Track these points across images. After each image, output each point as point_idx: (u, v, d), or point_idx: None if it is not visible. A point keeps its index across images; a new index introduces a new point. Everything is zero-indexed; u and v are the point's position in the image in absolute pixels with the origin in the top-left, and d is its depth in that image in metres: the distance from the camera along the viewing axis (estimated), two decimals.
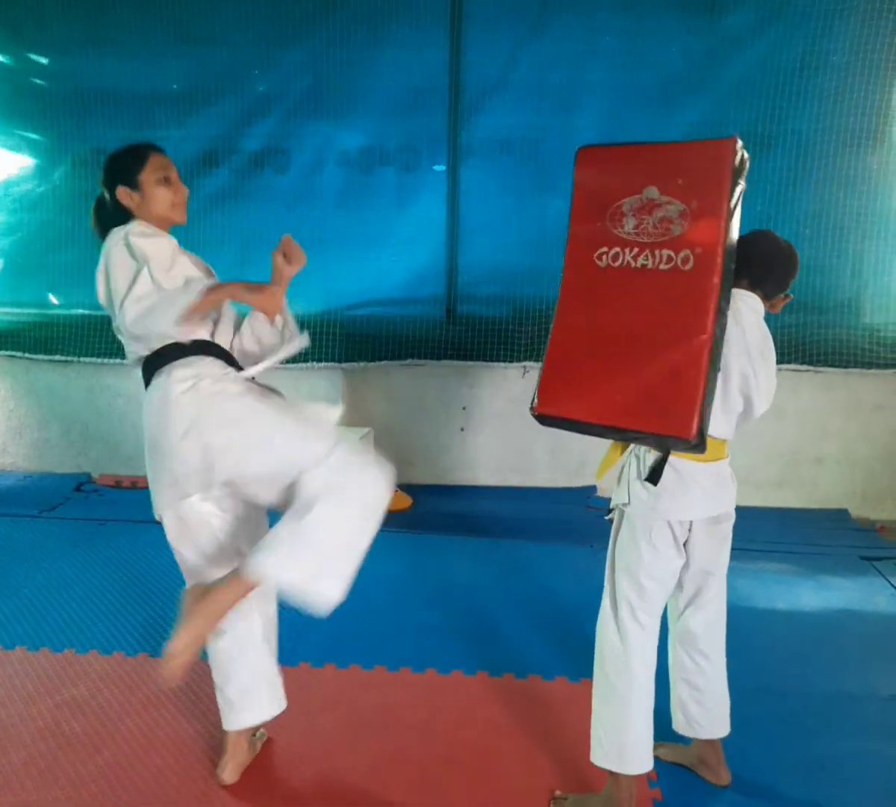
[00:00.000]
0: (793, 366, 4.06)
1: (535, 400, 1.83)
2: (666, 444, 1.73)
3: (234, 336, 2.08)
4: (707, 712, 2.05)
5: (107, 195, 1.96)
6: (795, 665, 2.73)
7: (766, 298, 1.95)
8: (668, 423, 1.64)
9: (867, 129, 3.92)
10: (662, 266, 1.68)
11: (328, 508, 1.77)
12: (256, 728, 2.22)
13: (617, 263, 1.74)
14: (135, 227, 1.88)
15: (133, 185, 1.91)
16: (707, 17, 3.96)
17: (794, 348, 4.04)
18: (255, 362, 1.98)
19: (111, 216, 1.94)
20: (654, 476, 1.83)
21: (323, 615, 1.83)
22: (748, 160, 1.66)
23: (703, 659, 2.04)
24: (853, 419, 4.24)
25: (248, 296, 1.80)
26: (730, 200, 1.63)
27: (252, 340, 2.09)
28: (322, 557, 1.79)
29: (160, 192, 1.92)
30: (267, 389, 1.98)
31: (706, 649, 2.04)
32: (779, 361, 4.22)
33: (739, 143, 1.63)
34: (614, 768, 1.93)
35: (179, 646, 1.75)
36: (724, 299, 1.64)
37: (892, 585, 3.38)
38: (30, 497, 4.32)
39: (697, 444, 1.63)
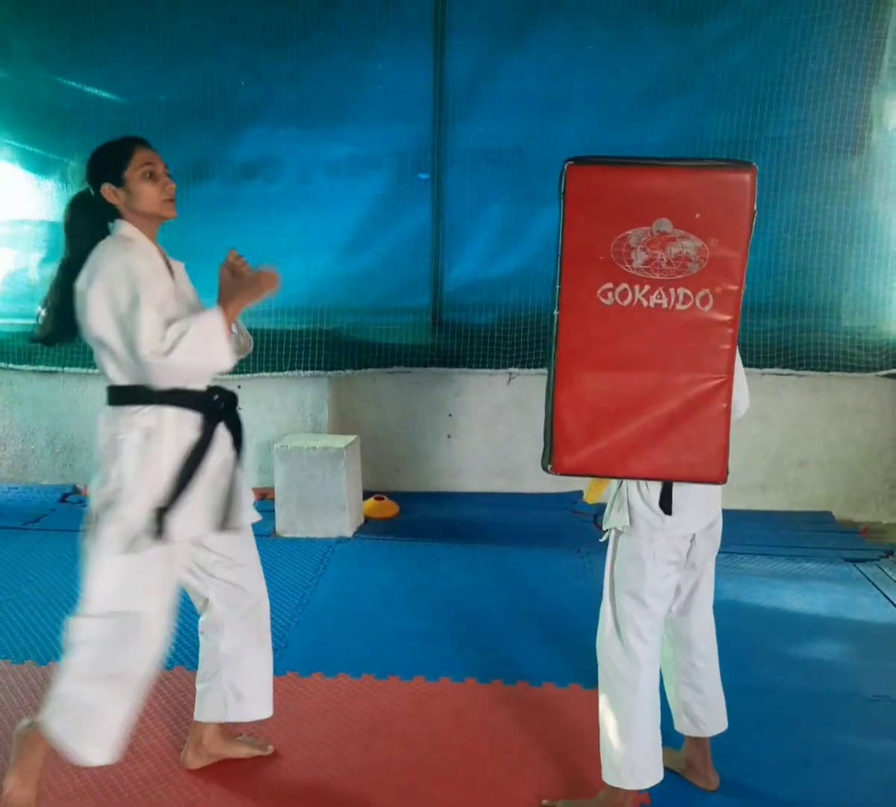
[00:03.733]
0: (776, 370, 4.09)
1: (550, 459, 1.70)
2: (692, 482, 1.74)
3: None
4: (709, 711, 2.07)
5: (92, 192, 1.89)
6: (780, 666, 2.75)
7: None
8: (700, 471, 1.64)
9: (847, 135, 3.97)
10: (679, 306, 1.58)
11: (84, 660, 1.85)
12: (247, 730, 2.22)
13: (626, 302, 1.61)
14: (126, 259, 1.81)
15: (118, 182, 1.85)
16: (687, 26, 4.00)
17: (776, 352, 4.07)
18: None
19: (97, 214, 1.89)
20: (665, 504, 1.82)
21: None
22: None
23: (701, 661, 2.05)
24: (836, 422, 4.28)
25: (254, 299, 1.88)
26: (751, 236, 1.56)
27: None
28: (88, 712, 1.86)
29: (147, 189, 1.86)
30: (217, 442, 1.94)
31: (704, 651, 2.05)
32: (762, 365, 4.30)
33: (756, 169, 1.56)
34: (626, 786, 1.90)
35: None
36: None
37: (875, 586, 3.40)
38: (14, 509, 4.29)
39: (723, 480, 1.65)
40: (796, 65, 3.93)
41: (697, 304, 1.58)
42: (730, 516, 2.04)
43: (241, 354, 2.05)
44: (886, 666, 2.76)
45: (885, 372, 4.10)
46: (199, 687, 2.14)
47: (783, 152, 4.01)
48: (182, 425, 1.87)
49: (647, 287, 1.59)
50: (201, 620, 2.11)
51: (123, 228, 1.89)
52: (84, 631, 1.86)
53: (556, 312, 1.66)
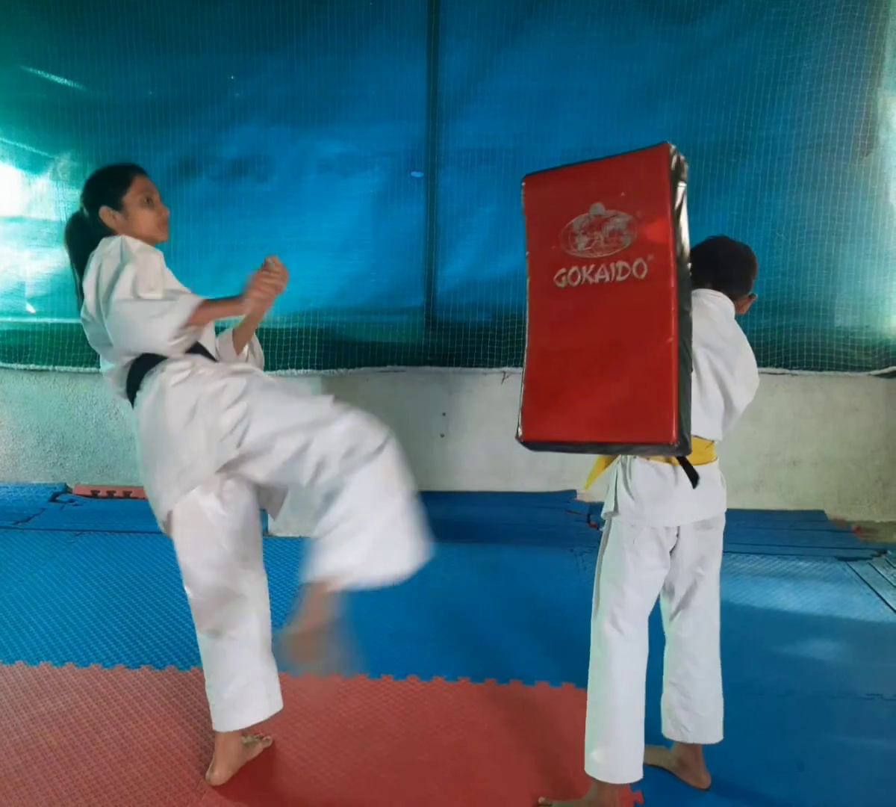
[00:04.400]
0: (769, 369, 4.09)
1: (520, 428, 1.81)
2: (652, 451, 1.74)
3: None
4: (695, 717, 2.06)
5: (86, 213, 1.96)
6: (773, 665, 2.75)
7: (732, 299, 1.97)
8: (648, 431, 1.64)
9: (841, 134, 3.97)
10: (619, 278, 1.69)
11: (359, 487, 1.77)
12: (248, 730, 2.21)
13: (576, 283, 1.75)
14: (127, 238, 1.89)
15: (117, 206, 1.92)
16: (682, 25, 4.00)
17: (770, 351, 4.08)
18: None
19: (90, 235, 1.94)
20: (693, 479, 1.85)
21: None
22: (686, 162, 1.66)
23: (691, 664, 2.04)
24: (829, 421, 4.29)
25: (245, 307, 1.85)
26: (672, 203, 1.64)
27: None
28: (380, 537, 1.80)
29: (144, 214, 1.94)
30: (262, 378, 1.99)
31: (695, 654, 2.04)
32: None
33: (673, 147, 1.65)
34: (601, 778, 1.92)
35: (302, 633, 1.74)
36: (685, 300, 1.64)
37: (868, 585, 3.41)
38: (4, 508, 4.27)
39: (680, 446, 1.62)
40: (790, 65, 3.94)
41: (634, 273, 1.67)
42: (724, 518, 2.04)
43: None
44: (879, 665, 2.77)
45: (878, 371, 4.10)
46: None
47: (778, 151, 4.01)
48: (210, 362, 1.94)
49: (591, 266, 1.73)
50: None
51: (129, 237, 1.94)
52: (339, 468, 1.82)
53: (527, 300, 1.84)
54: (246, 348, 2.17)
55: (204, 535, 1.99)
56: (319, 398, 1.91)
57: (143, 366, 1.88)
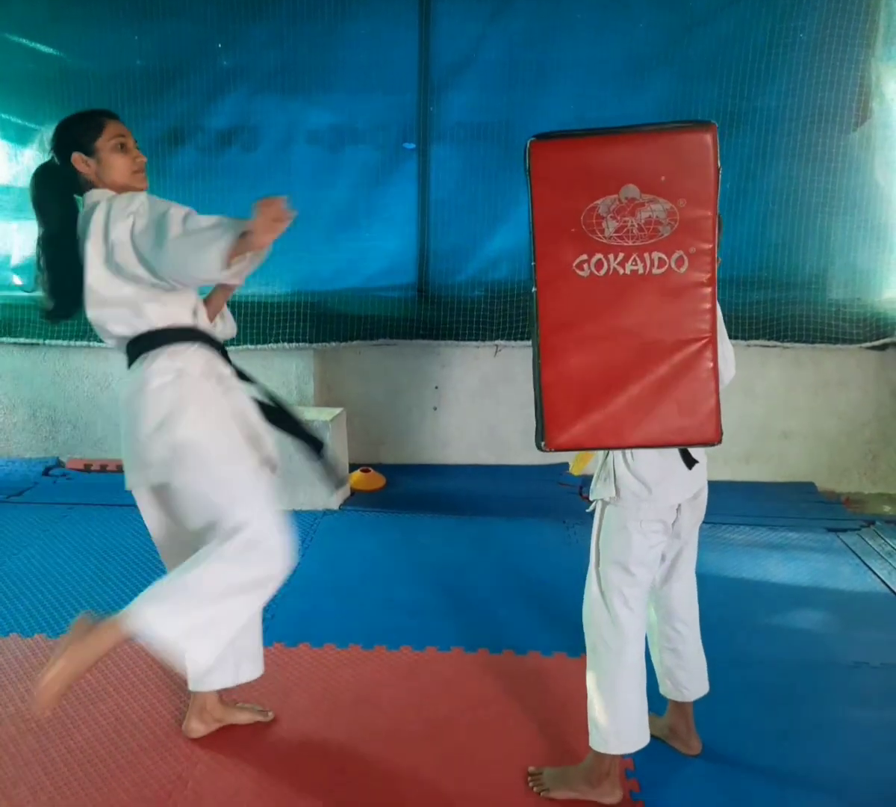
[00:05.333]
0: (760, 342, 4.10)
1: (543, 436, 1.68)
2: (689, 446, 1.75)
3: None
4: (690, 675, 2.09)
5: (57, 162, 1.88)
6: (762, 635, 2.78)
7: None
8: (696, 433, 1.63)
9: (835, 106, 3.93)
10: (655, 271, 1.57)
11: (224, 566, 1.78)
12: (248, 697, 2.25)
13: (602, 272, 1.59)
14: (152, 196, 1.83)
15: (89, 152, 1.85)
16: None
17: (761, 325, 4.08)
18: None
19: (63, 185, 1.88)
20: (688, 459, 1.85)
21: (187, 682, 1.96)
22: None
23: (683, 626, 2.07)
24: (819, 394, 4.30)
25: (254, 245, 1.73)
26: (717, 192, 1.55)
27: None
28: (203, 618, 1.76)
29: (118, 159, 1.86)
30: (246, 381, 2.01)
31: (685, 617, 2.07)
32: (747, 338, 4.31)
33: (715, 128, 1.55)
34: (612, 751, 1.93)
35: (47, 681, 1.68)
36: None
37: (857, 555, 3.44)
38: None
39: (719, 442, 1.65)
40: (785, 35, 3.88)
41: (673, 266, 1.57)
42: (714, 487, 2.05)
43: (221, 338, 2.07)
44: (866, 634, 2.80)
45: (869, 344, 4.11)
46: None
47: (771, 123, 3.97)
48: (203, 358, 1.92)
49: (621, 255, 1.58)
50: None
51: (95, 196, 1.86)
52: (223, 549, 1.86)
53: (534, 290, 1.64)
54: (218, 317, 2.10)
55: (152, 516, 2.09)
56: (261, 488, 1.90)
57: (138, 348, 1.87)
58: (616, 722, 1.92)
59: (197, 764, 2.09)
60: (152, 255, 1.73)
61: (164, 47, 4.08)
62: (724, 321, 1.93)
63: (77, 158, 1.85)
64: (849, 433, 4.33)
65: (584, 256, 1.59)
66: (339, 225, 4.27)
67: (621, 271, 1.59)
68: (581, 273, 1.60)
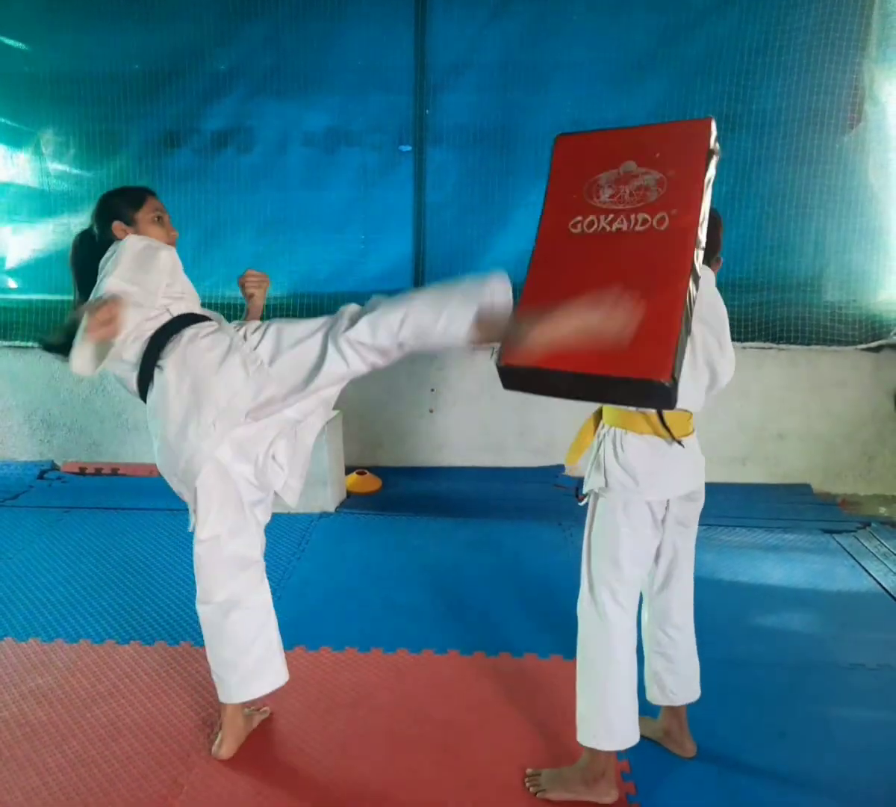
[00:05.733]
0: (756, 343, 4.11)
1: (501, 352, 1.76)
2: (639, 393, 1.65)
3: None
4: (680, 680, 2.09)
5: (95, 231, 2.01)
6: (758, 636, 2.78)
7: (705, 263, 1.96)
8: (642, 366, 1.58)
9: (831, 108, 3.94)
10: (638, 228, 1.68)
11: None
12: (248, 702, 2.22)
13: (592, 230, 1.73)
14: (132, 237, 1.94)
15: (129, 221, 1.98)
16: None
17: (757, 326, 4.09)
18: None
19: (98, 250, 1.95)
20: (664, 428, 1.84)
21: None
22: (719, 150, 1.67)
23: (675, 631, 2.07)
24: (815, 395, 4.30)
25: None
26: (706, 170, 1.64)
27: None
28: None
29: (155, 230, 2.00)
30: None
31: (679, 622, 2.07)
32: (743, 339, 4.31)
33: (714, 124, 1.66)
34: (601, 746, 1.94)
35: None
36: (697, 262, 1.64)
37: (852, 556, 3.45)
38: None
39: (671, 389, 1.56)
40: (781, 36, 3.89)
41: (654, 225, 1.67)
42: (709, 489, 2.05)
43: None
44: (862, 635, 2.80)
45: (864, 345, 4.12)
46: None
47: (767, 125, 3.98)
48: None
49: (611, 216, 1.72)
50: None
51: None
52: None
53: (533, 246, 1.80)
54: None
55: (232, 501, 2.01)
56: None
57: (165, 335, 1.92)
58: (605, 718, 1.93)
59: (193, 768, 2.08)
60: None
61: (160, 50, 4.08)
62: None
63: (117, 227, 1.97)
64: (844, 435, 4.33)
65: (580, 218, 1.75)
66: (334, 227, 4.28)
67: (608, 229, 1.72)
68: (574, 231, 1.76)
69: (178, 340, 1.91)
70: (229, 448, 1.96)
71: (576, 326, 1.62)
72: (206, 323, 1.97)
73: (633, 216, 1.69)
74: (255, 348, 1.88)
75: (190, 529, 2.02)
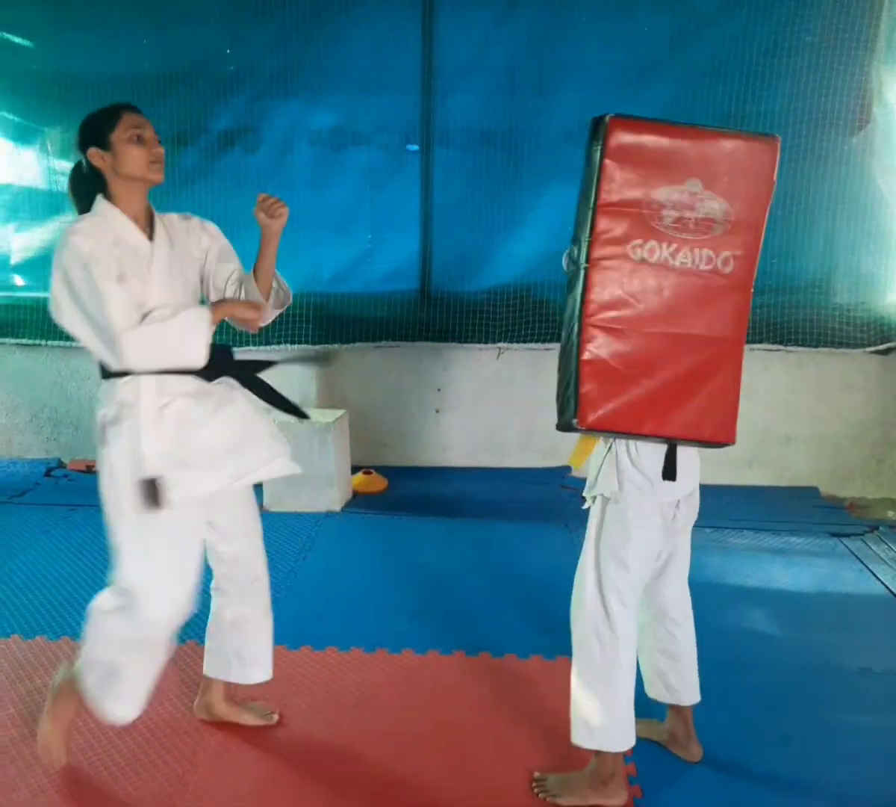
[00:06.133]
0: (764, 345, 4.09)
1: (575, 413, 1.68)
2: (702, 445, 1.77)
3: (230, 295, 2.02)
4: (683, 679, 2.08)
5: (83, 160, 1.87)
6: (765, 640, 2.77)
7: None
8: (717, 432, 1.68)
9: (840, 109, 3.93)
10: (703, 267, 1.61)
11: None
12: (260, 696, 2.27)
13: (654, 259, 1.63)
14: (72, 242, 1.75)
15: (105, 145, 1.82)
16: None
17: (765, 328, 4.07)
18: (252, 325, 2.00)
19: (86, 182, 1.87)
20: (670, 470, 1.83)
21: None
22: None
23: (675, 627, 2.06)
24: (823, 398, 4.29)
25: (245, 314, 1.90)
26: (769, 204, 1.63)
27: None
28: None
29: (133, 151, 1.82)
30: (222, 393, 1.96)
31: (678, 616, 2.06)
32: (750, 341, 4.27)
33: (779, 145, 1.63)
34: (601, 748, 1.94)
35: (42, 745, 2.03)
36: None
37: (860, 560, 3.43)
38: None
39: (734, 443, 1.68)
40: (789, 38, 3.88)
41: (719, 265, 1.60)
42: (716, 491, 2.06)
43: (279, 308, 2.06)
44: (870, 640, 2.79)
45: (873, 348, 4.10)
46: (207, 644, 2.21)
47: (776, 127, 3.96)
48: (165, 392, 1.85)
49: (674, 245, 1.62)
50: (212, 584, 2.15)
51: (97, 206, 1.86)
52: (100, 601, 1.97)
53: (584, 265, 1.65)
54: (274, 284, 2.02)
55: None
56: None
57: (102, 371, 1.89)
58: (608, 720, 1.93)
59: (198, 767, 2.08)
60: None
61: (168, 49, 4.08)
62: None
63: (93, 153, 1.83)
64: (852, 438, 4.32)
65: (640, 241, 1.62)
66: (341, 227, 4.27)
67: (671, 262, 1.62)
68: (633, 256, 1.63)
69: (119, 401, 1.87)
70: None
71: (649, 388, 1.65)
72: (117, 393, 1.86)
73: (696, 251, 1.61)
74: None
75: None
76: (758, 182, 1.61)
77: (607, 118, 1.62)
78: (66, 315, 1.79)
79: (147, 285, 1.83)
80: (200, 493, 1.90)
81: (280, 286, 2.04)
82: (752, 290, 1.63)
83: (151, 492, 1.81)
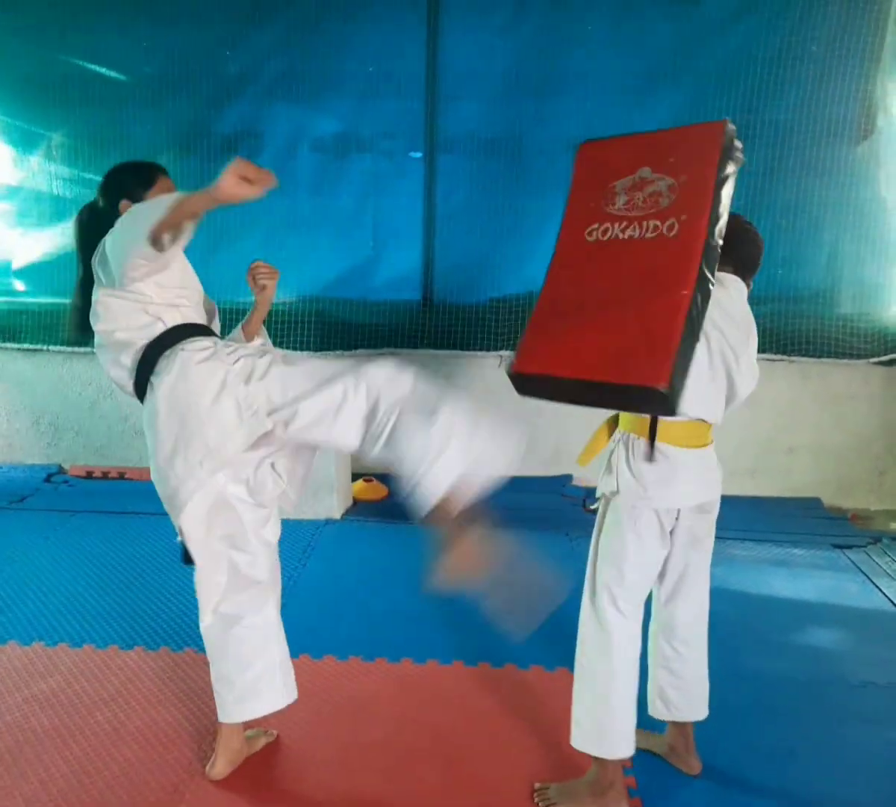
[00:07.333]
0: (767, 355, 4.08)
1: (513, 360, 1.79)
2: (640, 400, 1.65)
3: None
4: (685, 696, 2.07)
5: (102, 204, 1.92)
6: (766, 652, 2.75)
7: (745, 282, 1.97)
8: (640, 372, 1.58)
9: (845, 119, 3.94)
10: (648, 235, 1.68)
11: (416, 417, 1.80)
12: (253, 723, 2.16)
13: (606, 237, 1.74)
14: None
15: (138, 200, 1.86)
16: (686, 5, 3.95)
17: (769, 338, 4.06)
18: None
19: (104, 226, 1.85)
20: (649, 455, 1.83)
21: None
22: (741, 148, 1.65)
23: (683, 647, 2.04)
24: (826, 408, 4.28)
25: (217, 194, 1.73)
26: (718, 172, 1.63)
27: None
28: (467, 443, 1.86)
29: None
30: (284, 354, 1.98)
31: (687, 637, 2.04)
32: None
33: (731, 126, 1.64)
34: (594, 752, 1.93)
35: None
36: (708, 268, 1.62)
37: (863, 572, 3.41)
38: None
39: (668, 396, 1.55)
40: (796, 47, 3.89)
41: (664, 231, 1.67)
42: (719, 501, 2.03)
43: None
44: (873, 652, 2.77)
45: (876, 359, 4.09)
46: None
47: (781, 137, 3.97)
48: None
49: (624, 223, 1.73)
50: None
51: None
52: None
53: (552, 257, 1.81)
54: (257, 341, 2.19)
55: (232, 522, 1.93)
56: (341, 361, 1.90)
57: (158, 349, 1.84)
58: (600, 725, 1.92)
59: (195, 776, 2.06)
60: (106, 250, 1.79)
61: (172, 54, 4.10)
62: None
63: (125, 206, 1.86)
64: (855, 448, 4.30)
65: (596, 225, 1.76)
66: (344, 232, 4.28)
67: (621, 237, 1.73)
68: (589, 239, 1.77)
69: (169, 361, 1.82)
70: (221, 473, 1.87)
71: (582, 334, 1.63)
72: (200, 343, 1.85)
73: (644, 223, 1.70)
74: (250, 384, 1.77)
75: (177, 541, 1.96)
76: (704, 155, 1.65)
77: (579, 145, 1.85)
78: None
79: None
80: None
81: (265, 345, 2.18)
82: (704, 247, 1.63)
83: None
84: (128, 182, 1.91)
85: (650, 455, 1.83)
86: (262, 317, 2.17)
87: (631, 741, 1.94)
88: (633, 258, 1.70)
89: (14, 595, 3.05)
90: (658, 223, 1.68)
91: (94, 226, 1.90)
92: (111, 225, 1.82)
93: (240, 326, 2.18)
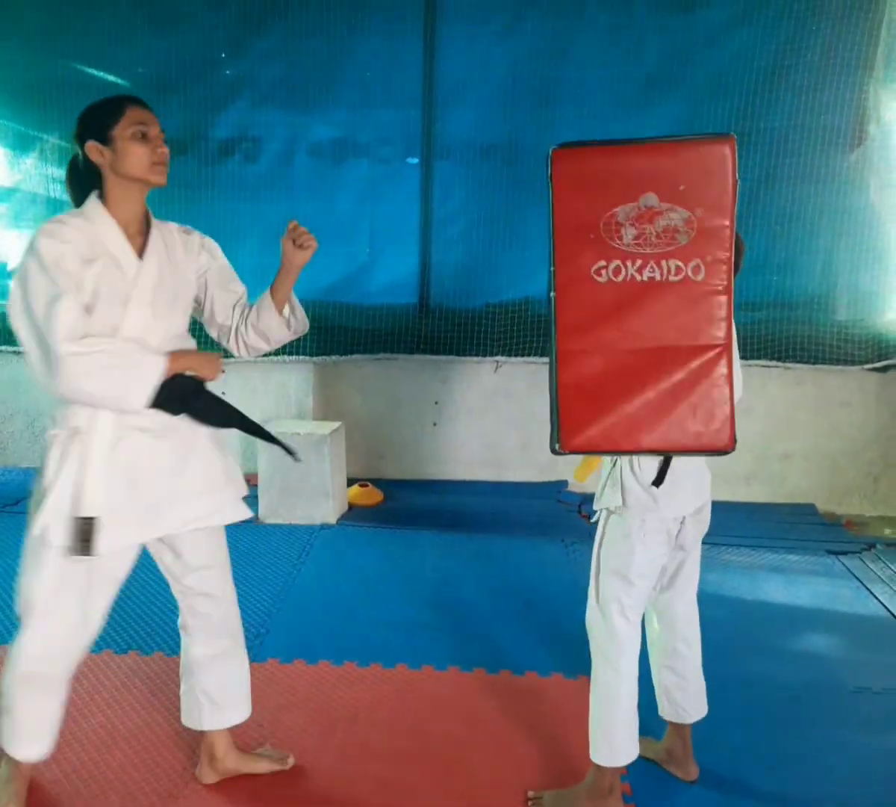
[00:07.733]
0: (762, 362, 4.10)
1: (558, 438, 1.66)
2: (701, 454, 1.72)
3: (235, 321, 1.93)
4: (689, 697, 2.07)
5: (80, 153, 1.71)
6: (761, 658, 2.75)
7: None
8: (710, 439, 1.63)
9: (839, 127, 3.96)
10: (672, 278, 1.59)
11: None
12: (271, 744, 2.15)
13: (620, 278, 1.61)
14: (40, 244, 1.61)
15: (105, 139, 1.65)
16: (682, 14, 3.98)
17: (763, 344, 4.08)
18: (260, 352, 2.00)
19: (82, 178, 1.71)
20: (659, 480, 1.82)
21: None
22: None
23: (684, 645, 2.05)
24: (821, 415, 4.29)
25: (203, 371, 1.77)
26: (735, 203, 1.59)
27: (258, 337, 1.94)
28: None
29: (135, 148, 1.65)
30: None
31: (687, 635, 2.05)
32: (748, 357, 4.31)
33: (735, 142, 1.59)
34: (605, 763, 1.92)
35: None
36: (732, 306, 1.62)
37: (857, 578, 3.42)
38: None
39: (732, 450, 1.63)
40: (791, 56, 3.91)
41: (690, 274, 1.59)
42: (714, 508, 2.03)
43: (294, 335, 2.01)
44: (868, 658, 2.77)
45: (871, 365, 4.11)
46: (181, 689, 2.04)
47: (776, 143, 4.00)
48: (123, 424, 1.71)
49: (639, 262, 1.61)
50: (178, 621, 2.03)
51: (88, 204, 1.71)
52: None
53: (552, 294, 1.65)
54: (286, 309, 1.97)
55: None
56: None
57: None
58: (611, 734, 1.91)
59: (189, 782, 2.05)
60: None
61: (168, 57, 4.10)
62: None
63: (91, 148, 1.67)
64: (850, 455, 4.32)
65: (603, 262, 1.62)
66: (340, 239, 4.28)
67: (639, 278, 1.61)
68: (599, 279, 1.63)
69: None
70: None
71: (631, 405, 1.61)
72: (71, 417, 1.71)
73: (664, 263, 1.59)
74: None
75: None
76: (718, 183, 1.58)
77: (551, 150, 1.66)
78: (16, 320, 1.62)
79: (126, 306, 1.68)
80: (131, 543, 1.81)
81: (295, 314, 1.99)
82: (732, 293, 1.60)
83: (83, 533, 1.71)
84: (92, 122, 1.69)
85: (661, 481, 1.83)
86: (294, 282, 1.98)
87: (636, 746, 1.94)
88: (660, 305, 1.61)
89: (8, 599, 3.03)
90: (680, 264, 1.59)
91: (75, 181, 1.75)
92: (88, 176, 1.70)
93: (268, 291, 1.94)
